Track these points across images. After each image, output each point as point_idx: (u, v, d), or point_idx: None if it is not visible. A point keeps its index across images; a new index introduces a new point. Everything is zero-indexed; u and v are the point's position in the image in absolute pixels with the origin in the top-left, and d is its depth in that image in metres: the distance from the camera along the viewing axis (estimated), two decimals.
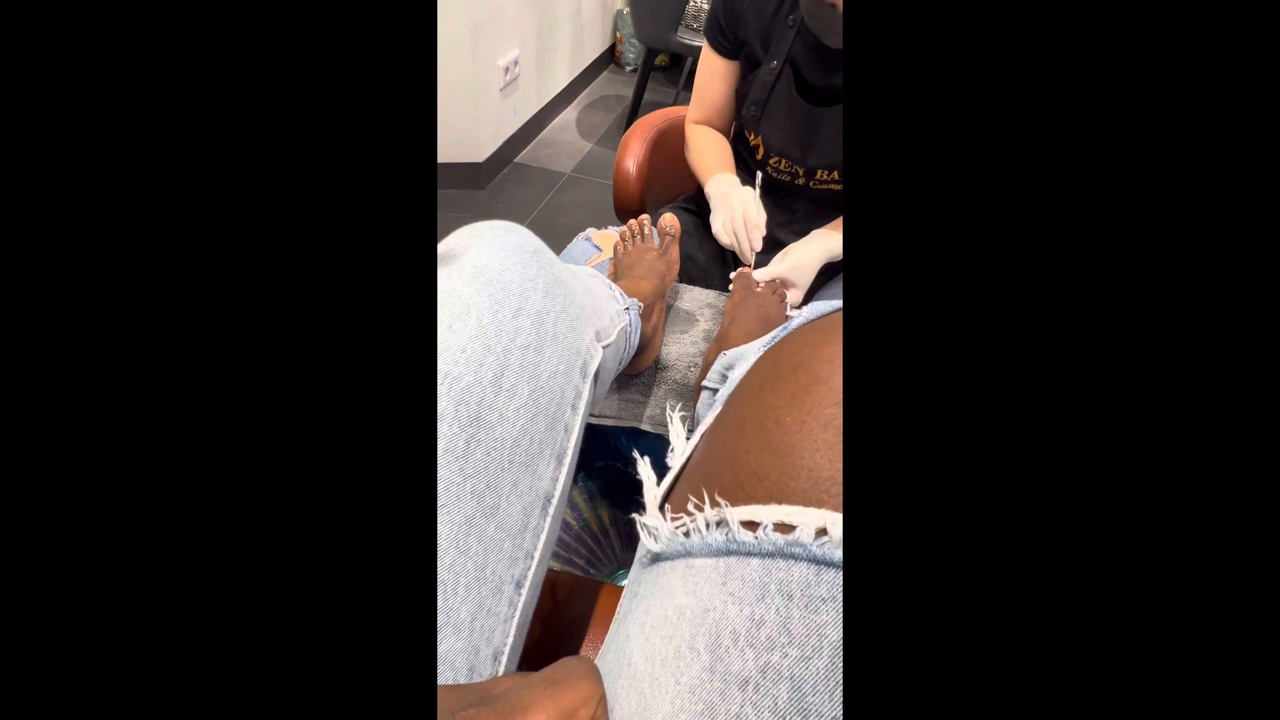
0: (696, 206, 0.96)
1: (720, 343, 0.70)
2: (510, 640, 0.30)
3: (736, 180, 0.82)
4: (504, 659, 0.29)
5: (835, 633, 0.18)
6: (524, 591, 0.31)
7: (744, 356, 0.33)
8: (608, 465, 0.89)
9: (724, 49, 0.82)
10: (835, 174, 0.83)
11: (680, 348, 0.76)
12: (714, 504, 0.23)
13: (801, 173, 0.84)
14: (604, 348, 0.40)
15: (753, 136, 0.86)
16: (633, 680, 0.21)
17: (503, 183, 2.07)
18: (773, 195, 0.85)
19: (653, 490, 0.27)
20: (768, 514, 0.21)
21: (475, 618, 0.28)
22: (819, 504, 0.21)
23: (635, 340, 0.55)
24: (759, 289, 0.75)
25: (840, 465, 0.21)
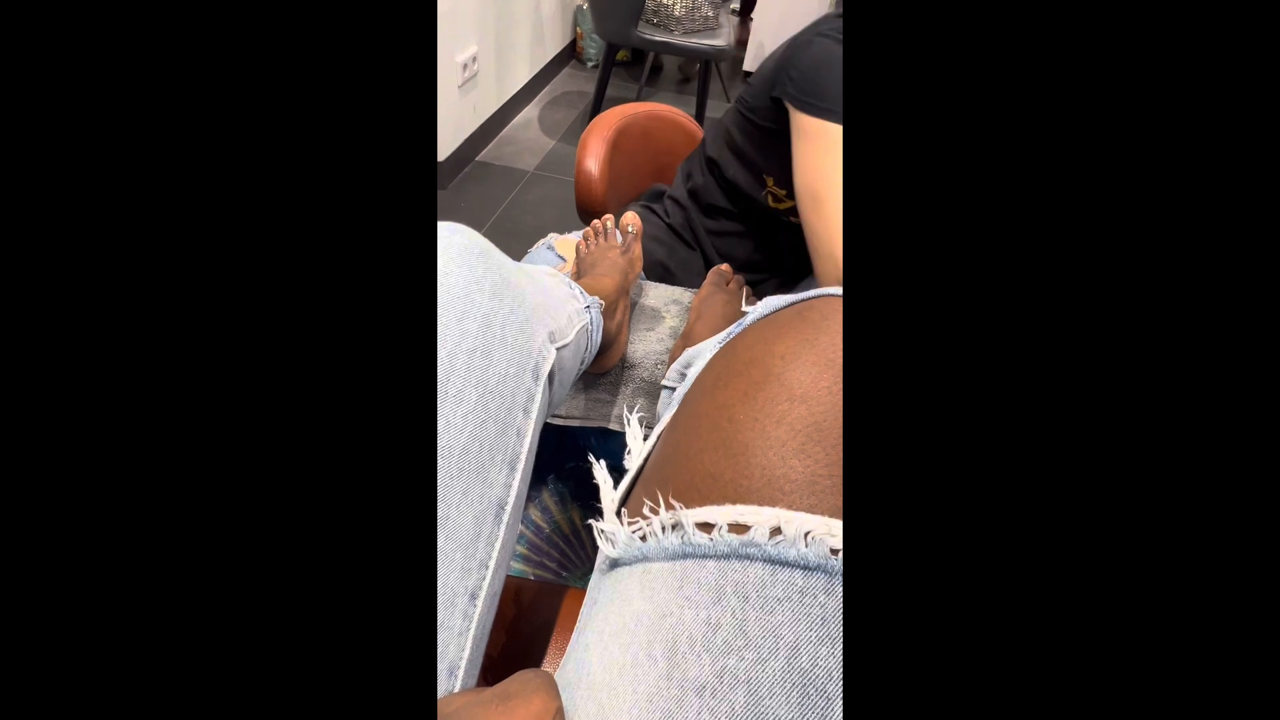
0: (660, 208, 0.95)
1: (686, 339, 0.69)
2: (466, 654, 0.29)
3: None
4: (460, 674, 0.28)
5: (791, 633, 0.18)
6: (479, 603, 0.30)
7: (701, 354, 0.32)
8: (578, 466, 0.88)
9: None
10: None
11: (647, 345, 0.75)
12: (669, 506, 0.22)
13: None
14: (560, 348, 0.39)
15: (771, 181, 0.77)
16: (591, 690, 0.21)
17: (464, 181, 2.04)
18: (763, 235, 0.81)
19: (609, 495, 0.27)
20: (722, 515, 0.21)
21: None
22: (773, 502, 0.20)
23: (598, 338, 0.54)
24: (730, 285, 0.74)
25: (793, 462, 0.21)
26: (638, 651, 0.20)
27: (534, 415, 0.35)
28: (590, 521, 0.26)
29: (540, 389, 0.35)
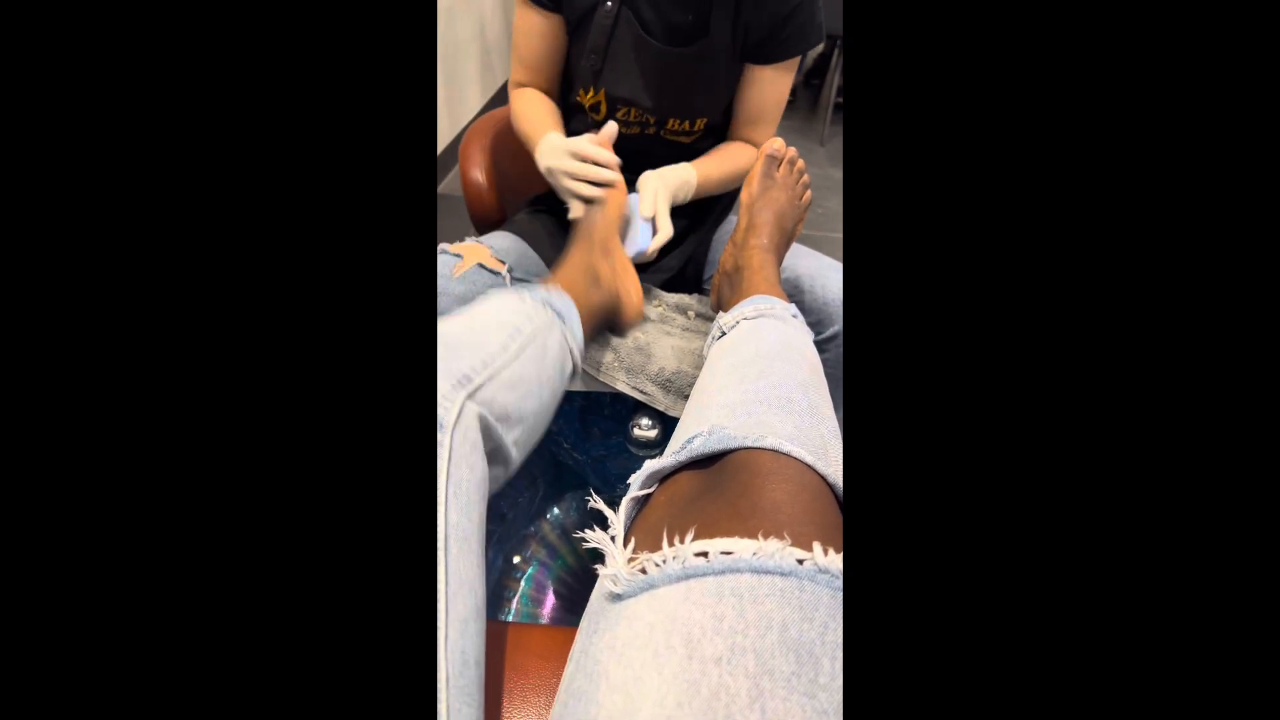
0: (548, 207, 0.85)
1: (735, 247, 0.66)
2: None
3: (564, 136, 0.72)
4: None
5: (779, 616, 0.23)
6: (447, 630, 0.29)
7: (737, 327, 0.52)
8: (576, 496, 0.84)
9: (542, 1, 0.73)
10: (685, 124, 0.76)
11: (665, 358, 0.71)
12: (670, 544, 0.27)
13: (653, 121, 0.76)
14: (482, 384, 0.37)
15: (590, 93, 0.76)
16: (613, 685, 0.24)
17: None
18: (620, 153, 0.72)
19: (620, 550, 0.30)
20: (714, 545, 0.26)
21: None
22: (751, 536, 0.26)
23: (578, 333, 0.54)
24: (780, 171, 0.67)
25: (754, 523, 0.27)
26: (657, 646, 0.23)
27: (445, 468, 0.32)
28: (596, 567, 0.29)
29: (448, 437, 0.33)
